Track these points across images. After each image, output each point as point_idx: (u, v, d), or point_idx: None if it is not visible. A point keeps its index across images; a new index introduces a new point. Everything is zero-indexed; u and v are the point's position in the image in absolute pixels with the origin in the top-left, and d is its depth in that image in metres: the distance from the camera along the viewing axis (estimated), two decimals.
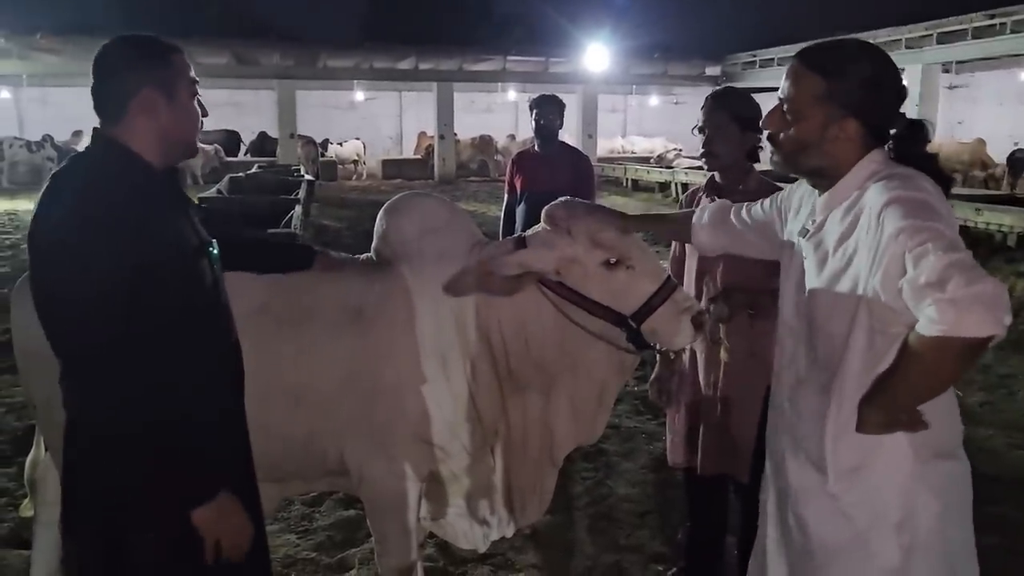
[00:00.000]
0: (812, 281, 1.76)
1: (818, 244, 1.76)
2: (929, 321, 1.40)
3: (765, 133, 1.83)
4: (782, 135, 1.77)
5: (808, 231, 1.80)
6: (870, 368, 1.64)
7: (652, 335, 2.25)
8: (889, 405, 1.61)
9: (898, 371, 1.57)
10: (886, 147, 1.73)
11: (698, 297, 2.70)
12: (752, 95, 2.82)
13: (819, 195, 1.81)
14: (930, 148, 1.74)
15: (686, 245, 2.80)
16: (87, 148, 1.80)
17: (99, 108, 1.77)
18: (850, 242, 1.65)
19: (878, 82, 1.70)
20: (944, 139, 18.93)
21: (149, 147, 1.77)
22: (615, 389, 2.54)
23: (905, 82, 1.79)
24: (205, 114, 1.87)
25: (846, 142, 1.71)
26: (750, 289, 2.49)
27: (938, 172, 1.68)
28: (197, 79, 1.85)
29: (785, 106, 1.76)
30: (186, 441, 1.70)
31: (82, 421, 1.74)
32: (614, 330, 2.27)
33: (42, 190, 1.72)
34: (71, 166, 1.77)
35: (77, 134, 21.71)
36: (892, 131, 1.73)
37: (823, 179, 1.77)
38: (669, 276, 2.31)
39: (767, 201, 2.10)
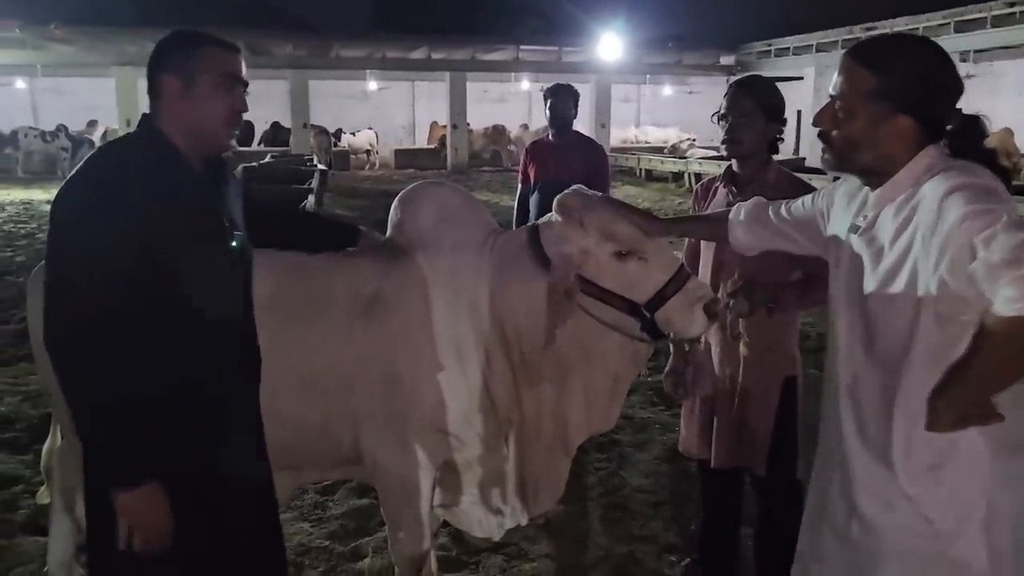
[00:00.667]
0: (868, 278, 1.72)
1: (871, 240, 1.72)
2: (1007, 300, 1.36)
3: (816, 131, 1.78)
4: (834, 133, 1.73)
5: (859, 227, 1.76)
6: (937, 362, 1.58)
7: (666, 324, 2.25)
8: (963, 397, 1.54)
9: (974, 358, 1.51)
10: (941, 142, 1.69)
11: (714, 290, 2.66)
12: (776, 84, 2.78)
13: (870, 191, 1.76)
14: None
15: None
16: (130, 132, 1.87)
17: (148, 91, 1.85)
18: (906, 236, 1.61)
19: (931, 77, 1.66)
20: None
21: (175, 133, 1.81)
22: (628, 379, 2.53)
23: None
24: (242, 107, 1.88)
25: (899, 139, 1.67)
26: (770, 283, 2.45)
27: (996, 166, 1.64)
28: (238, 75, 1.86)
29: (837, 103, 1.72)
30: (136, 422, 1.71)
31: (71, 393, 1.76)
32: (628, 320, 2.26)
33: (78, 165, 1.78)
34: (112, 144, 1.86)
35: (92, 123, 21.85)
36: (947, 127, 1.69)
37: (875, 176, 1.73)
38: (682, 265, 2.29)
39: (807, 198, 2.06)
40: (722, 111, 2.71)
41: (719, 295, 2.29)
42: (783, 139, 2.75)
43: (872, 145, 1.68)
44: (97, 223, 1.66)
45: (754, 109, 2.65)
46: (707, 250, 2.79)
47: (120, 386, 1.69)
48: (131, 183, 1.70)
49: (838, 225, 1.88)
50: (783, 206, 2.11)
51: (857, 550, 1.76)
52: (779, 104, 2.68)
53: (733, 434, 2.74)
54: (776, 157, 2.77)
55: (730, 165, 2.79)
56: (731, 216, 2.20)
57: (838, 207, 1.91)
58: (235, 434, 1.95)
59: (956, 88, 1.68)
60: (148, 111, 1.85)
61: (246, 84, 1.90)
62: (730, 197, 2.70)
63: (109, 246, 1.66)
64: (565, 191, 2.39)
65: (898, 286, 1.63)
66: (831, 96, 1.74)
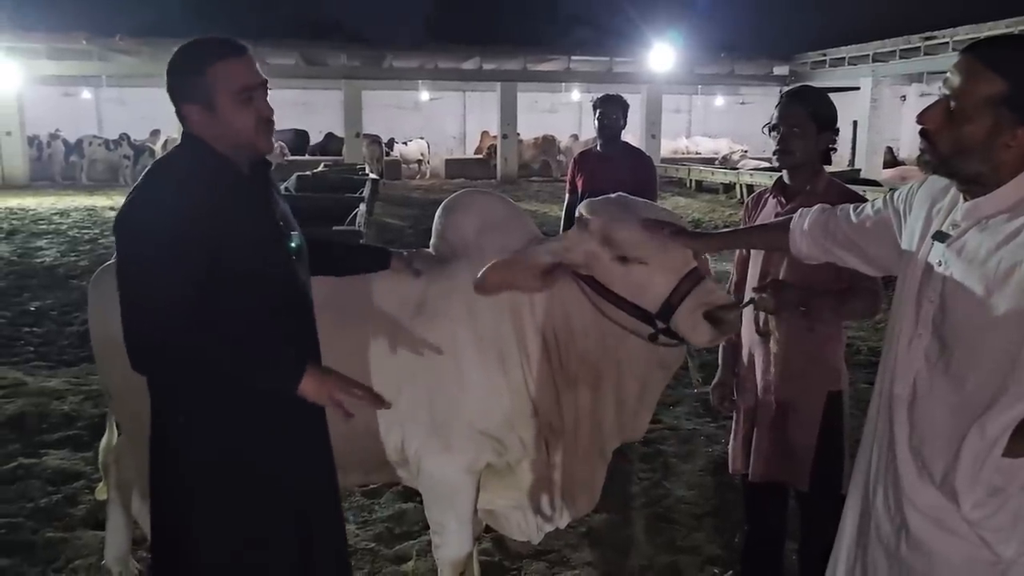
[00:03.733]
0: (953, 292, 1.63)
1: (961, 251, 1.62)
2: None
3: (918, 128, 1.65)
4: (941, 135, 1.61)
5: (947, 236, 1.66)
6: None
7: (678, 331, 2.20)
8: None
9: None
10: None
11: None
12: (827, 94, 2.75)
13: (963, 200, 1.66)
14: None
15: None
16: (177, 145, 1.91)
17: (176, 114, 1.87)
18: (1011, 255, 1.53)
19: None
20: None
21: (218, 145, 1.84)
22: (658, 386, 2.51)
23: None
24: (268, 112, 1.87)
25: (1015, 151, 1.55)
26: (803, 285, 2.42)
27: None
28: (252, 81, 1.84)
29: (952, 103, 1.59)
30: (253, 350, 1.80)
31: (159, 400, 1.84)
32: (640, 324, 2.24)
33: (135, 183, 1.83)
34: (162, 160, 1.89)
35: (155, 133, 22.46)
36: None
37: (976, 185, 1.62)
38: (693, 270, 2.20)
39: (878, 201, 1.95)
40: (773, 121, 2.67)
41: (751, 293, 2.26)
42: (836, 149, 2.71)
43: (986, 154, 1.57)
44: (167, 237, 1.70)
45: (806, 119, 2.61)
46: (756, 258, 2.77)
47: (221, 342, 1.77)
48: (192, 194, 1.75)
49: (917, 230, 1.78)
50: (852, 211, 1.98)
51: (905, 567, 1.72)
52: (831, 114, 2.64)
53: (773, 448, 2.70)
54: (830, 168, 2.72)
55: (781, 176, 2.76)
56: (793, 224, 2.07)
57: (918, 210, 1.80)
58: (308, 436, 2.00)
59: None
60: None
61: (265, 82, 1.88)
62: (779, 208, 2.67)
63: (183, 258, 1.70)
64: (599, 197, 2.42)
65: (999, 307, 1.54)
66: (944, 95, 1.61)
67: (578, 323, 2.35)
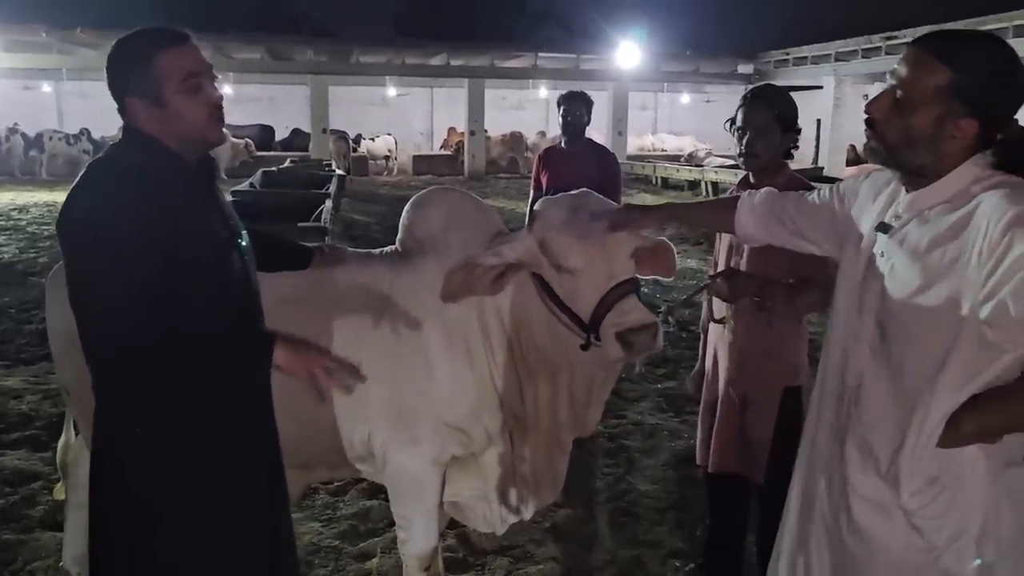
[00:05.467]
0: (894, 281, 1.66)
1: (901, 242, 1.65)
2: None
3: (864, 117, 1.67)
4: (888, 125, 1.63)
5: (890, 227, 1.69)
6: (966, 382, 1.56)
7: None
8: (994, 424, 1.55)
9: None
10: (988, 152, 1.60)
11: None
12: (789, 93, 2.78)
13: (904, 191, 1.69)
14: None
15: (722, 236, 2.76)
16: (119, 140, 1.83)
17: (118, 110, 1.80)
18: (952, 248, 1.55)
19: (1007, 83, 1.56)
20: None
21: (165, 139, 1.77)
22: (605, 384, 2.54)
23: None
24: (218, 99, 1.80)
25: (959, 142, 1.57)
26: (761, 277, 2.47)
27: None
28: (200, 68, 1.76)
29: (899, 93, 1.60)
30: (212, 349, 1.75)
31: (108, 407, 1.79)
32: (577, 331, 2.24)
33: (75, 181, 1.73)
34: (104, 158, 1.80)
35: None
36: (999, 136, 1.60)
37: (919, 177, 1.64)
38: (621, 283, 2.19)
39: (824, 190, 1.99)
40: (738, 123, 2.71)
41: (704, 282, 2.30)
42: (798, 147, 2.76)
43: (932, 144, 1.59)
44: (120, 242, 1.62)
45: (770, 121, 2.65)
46: (722, 251, 2.82)
47: (198, 397, 1.74)
48: (142, 194, 1.67)
49: (861, 220, 1.81)
50: (797, 197, 2.03)
51: (847, 553, 1.76)
52: (794, 114, 2.68)
53: (731, 440, 2.76)
54: (794, 166, 2.77)
55: (747, 174, 2.81)
56: (740, 203, 2.11)
57: (863, 201, 1.83)
58: (256, 434, 1.96)
59: (1023, 98, 1.59)
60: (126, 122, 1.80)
61: (211, 68, 1.81)
62: None
63: (137, 263, 1.63)
64: (546, 198, 2.44)
65: (934, 299, 1.57)
66: (891, 85, 1.63)
67: (535, 317, 2.37)
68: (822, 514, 1.83)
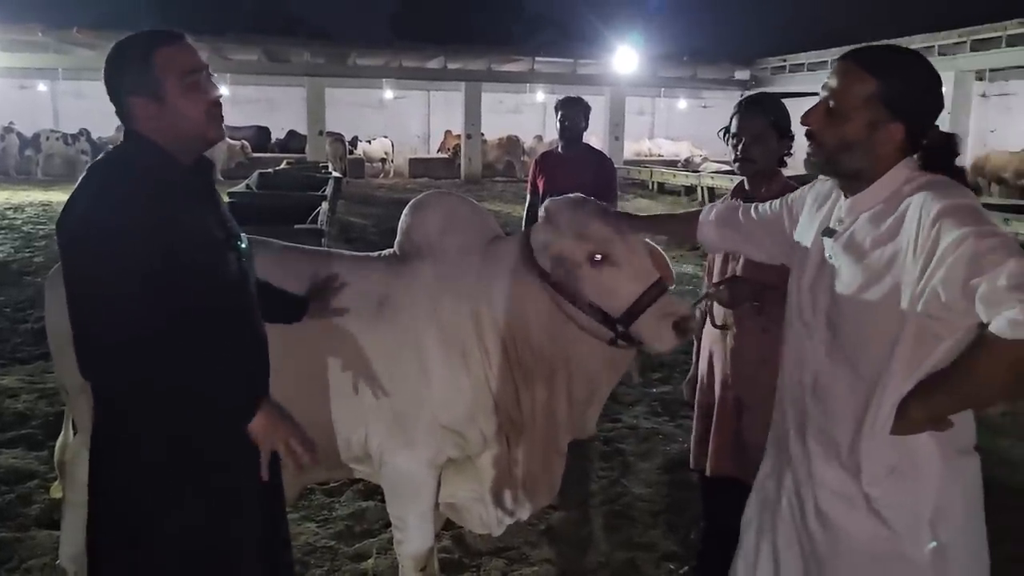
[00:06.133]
0: (840, 282, 1.76)
1: (847, 246, 1.75)
2: (1011, 323, 1.41)
3: (804, 130, 1.80)
4: (824, 133, 1.75)
5: (834, 232, 1.79)
6: (912, 372, 1.65)
7: (638, 336, 2.29)
8: (942, 407, 1.62)
9: (965, 374, 1.57)
10: (915, 155, 1.74)
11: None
12: (782, 100, 2.83)
13: (844, 197, 1.81)
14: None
15: None
16: (120, 143, 1.84)
17: (116, 112, 1.82)
18: (890, 247, 1.65)
19: (928, 90, 1.70)
20: (991, 149, 18.51)
21: (163, 141, 1.78)
22: (607, 385, 2.58)
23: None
24: (216, 94, 1.81)
25: (889, 146, 1.70)
26: (757, 282, 2.51)
27: (965, 183, 1.69)
28: (198, 65, 1.77)
29: (832, 103, 1.74)
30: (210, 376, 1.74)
31: (107, 406, 1.80)
32: (600, 327, 2.31)
33: (77, 183, 1.75)
34: (104, 160, 1.81)
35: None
36: (924, 141, 1.73)
37: (857, 181, 1.76)
38: (659, 279, 2.31)
39: (776, 201, 2.12)
40: (733, 130, 2.74)
41: (707, 290, 2.36)
42: (792, 153, 2.79)
43: (865, 149, 1.71)
44: (119, 240, 1.63)
45: (766, 128, 2.69)
46: (718, 263, 2.85)
47: (194, 396, 1.73)
48: (146, 199, 1.68)
49: (806, 227, 1.93)
50: (753, 208, 2.16)
51: (815, 545, 1.82)
52: (788, 121, 2.73)
53: (727, 444, 2.79)
54: (790, 172, 2.82)
55: (742, 181, 2.85)
56: (701, 216, 2.26)
57: (808, 209, 1.96)
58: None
59: (941, 104, 1.75)
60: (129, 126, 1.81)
61: (207, 66, 1.82)
62: None
63: (135, 254, 1.63)
64: (559, 197, 2.46)
65: (878, 295, 1.66)
66: (823, 97, 1.76)
67: (534, 320, 2.39)
68: (790, 509, 1.90)
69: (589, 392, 2.51)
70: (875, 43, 1.81)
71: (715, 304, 2.59)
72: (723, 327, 2.75)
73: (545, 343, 2.39)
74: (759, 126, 2.69)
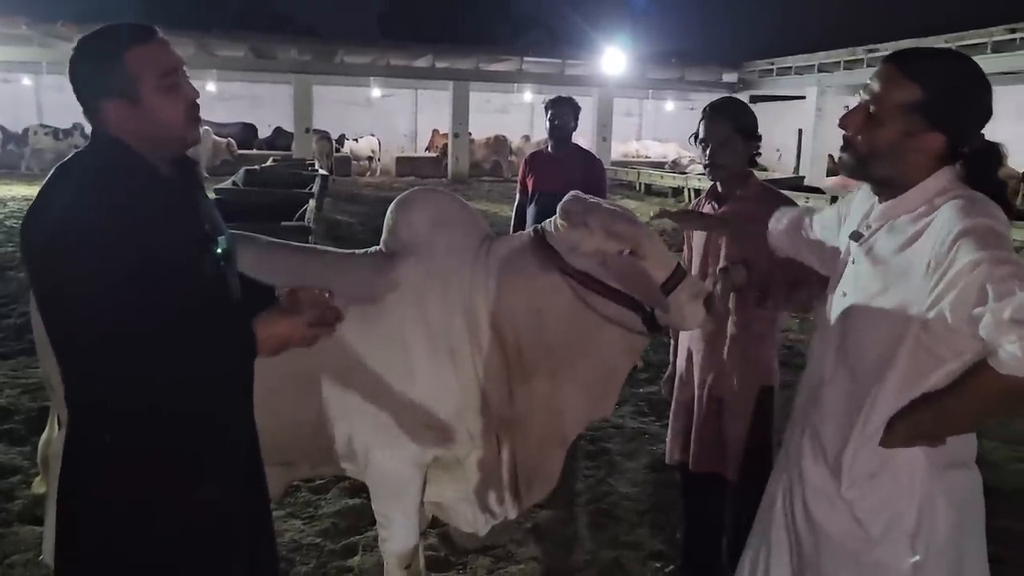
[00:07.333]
0: (855, 287, 1.75)
1: (869, 250, 1.74)
2: (1010, 356, 1.40)
3: (840, 133, 1.75)
4: (859, 137, 1.70)
5: (861, 235, 1.78)
6: (908, 387, 1.64)
7: (666, 318, 2.35)
8: (928, 426, 1.62)
9: (957, 397, 1.57)
10: (956, 165, 1.67)
11: (702, 276, 2.77)
12: (749, 104, 2.89)
13: (878, 202, 1.77)
14: None
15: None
16: (88, 144, 1.75)
17: (84, 114, 1.73)
18: (908, 256, 1.62)
19: (972, 99, 1.64)
20: None
21: (137, 144, 1.70)
22: (625, 369, 2.60)
23: None
24: (194, 95, 1.73)
25: (926, 155, 1.65)
26: (762, 268, 2.57)
27: (1004, 199, 1.63)
28: (174, 65, 1.69)
29: (872, 108, 1.68)
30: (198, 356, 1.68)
31: (81, 411, 1.74)
32: (630, 314, 2.36)
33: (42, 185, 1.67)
34: (73, 161, 1.72)
35: (77, 127, 21.83)
36: (966, 150, 1.67)
37: (889, 188, 1.72)
38: (679, 264, 2.38)
39: (833, 208, 2.10)
40: (701, 136, 2.82)
41: (716, 270, 2.48)
42: (760, 154, 2.90)
43: (897, 157, 1.66)
44: (98, 243, 1.56)
45: (732, 133, 2.76)
46: (699, 237, 2.92)
47: (175, 399, 1.69)
48: (115, 199, 1.61)
49: (848, 229, 1.89)
50: (817, 216, 2.15)
51: (802, 544, 1.85)
52: (754, 124, 2.81)
53: (709, 439, 2.83)
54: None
55: (714, 184, 2.91)
56: (771, 224, 2.28)
57: (854, 211, 1.92)
58: (234, 430, 1.93)
59: (988, 112, 1.66)
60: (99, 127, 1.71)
61: (183, 63, 1.73)
62: (713, 211, 2.86)
63: (110, 253, 1.56)
64: (566, 197, 2.47)
65: (887, 304, 1.65)
66: (863, 100, 1.71)
67: (551, 315, 2.40)
68: (784, 507, 1.92)
69: (606, 379, 2.53)
70: (919, 46, 1.76)
71: (719, 287, 2.62)
72: (726, 313, 2.78)
73: (562, 337, 2.41)
74: (725, 131, 2.76)
